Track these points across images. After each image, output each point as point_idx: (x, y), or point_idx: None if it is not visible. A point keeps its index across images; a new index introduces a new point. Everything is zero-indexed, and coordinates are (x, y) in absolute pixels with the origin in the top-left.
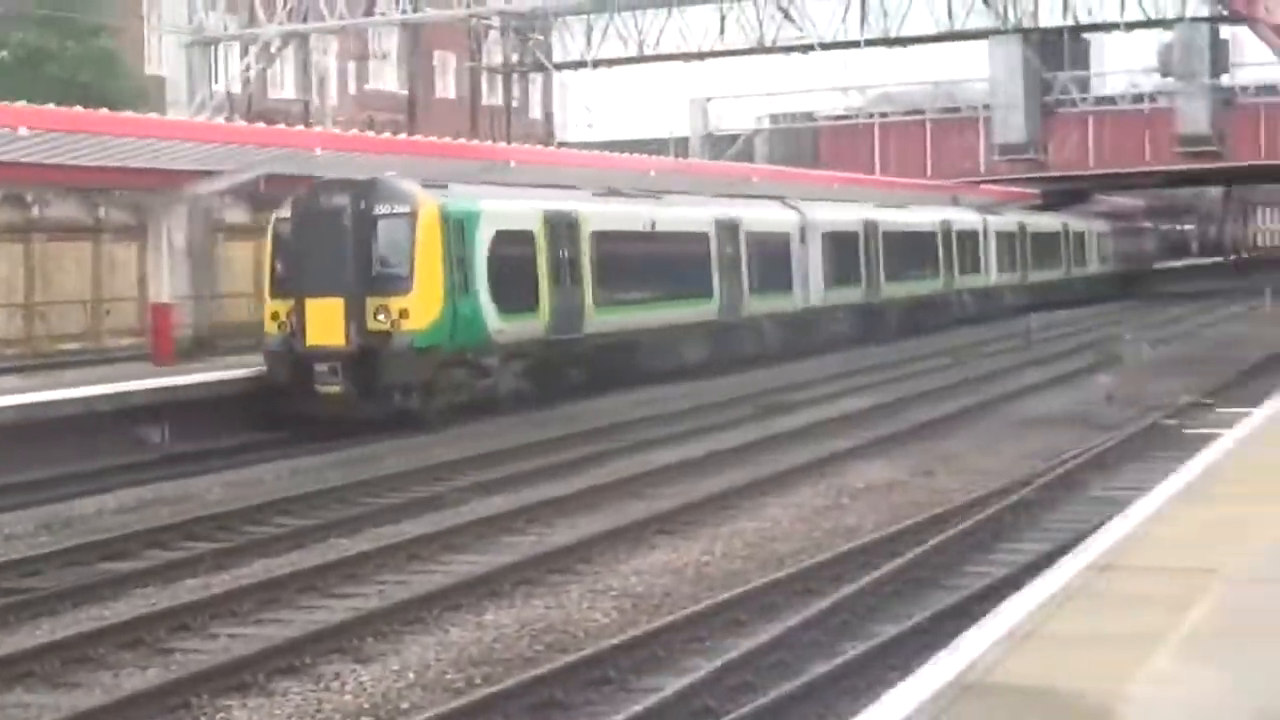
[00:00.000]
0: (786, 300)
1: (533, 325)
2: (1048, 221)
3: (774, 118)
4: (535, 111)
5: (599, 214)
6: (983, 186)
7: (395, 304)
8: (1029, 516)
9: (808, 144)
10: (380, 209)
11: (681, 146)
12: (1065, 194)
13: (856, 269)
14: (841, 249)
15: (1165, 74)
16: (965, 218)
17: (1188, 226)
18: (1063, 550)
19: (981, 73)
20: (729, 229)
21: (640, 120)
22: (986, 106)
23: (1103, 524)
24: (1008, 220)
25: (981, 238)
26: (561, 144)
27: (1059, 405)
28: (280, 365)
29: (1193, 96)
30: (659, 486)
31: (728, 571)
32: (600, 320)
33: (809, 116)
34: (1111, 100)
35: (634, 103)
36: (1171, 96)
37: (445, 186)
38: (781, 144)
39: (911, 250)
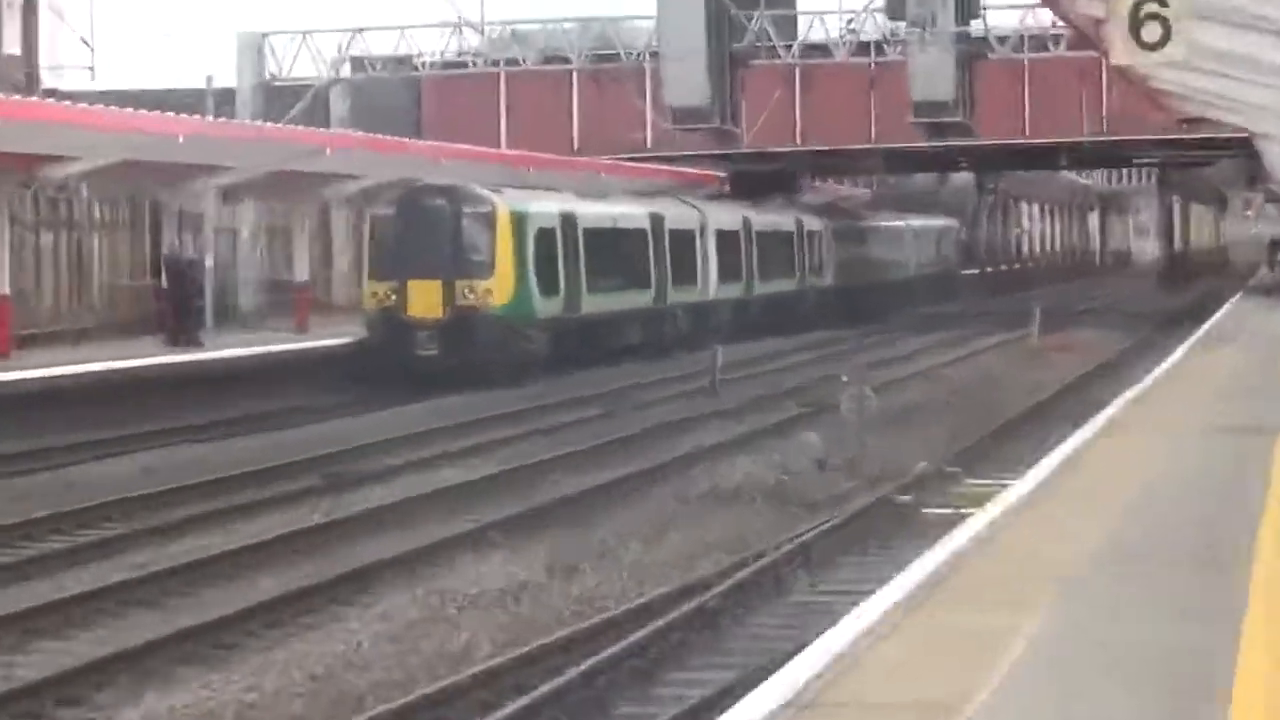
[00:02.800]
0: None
1: (556, 304)
2: (778, 218)
3: (357, 63)
4: (12, 46)
5: (589, 214)
6: (643, 167)
7: (481, 285)
8: (709, 633)
9: (405, 100)
10: (466, 208)
11: (227, 100)
12: (764, 179)
13: (555, 274)
14: (542, 247)
15: (893, 16)
16: (679, 212)
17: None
18: (753, 680)
19: (647, 7)
20: None
21: (171, 65)
22: (655, 55)
23: (806, 643)
24: (730, 215)
25: (698, 237)
26: (51, 93)
27: (753, 474)
28: (382, 332)
29: (930, 48)
30: (186, 591)
31: (280, 718)
32: (590, 301)
33: (406, 63)
34: (825, 50)
35: (160, 41)
36: (904, 47)
37: (501, 191)
38: (369, 99)
39: (618, 254)
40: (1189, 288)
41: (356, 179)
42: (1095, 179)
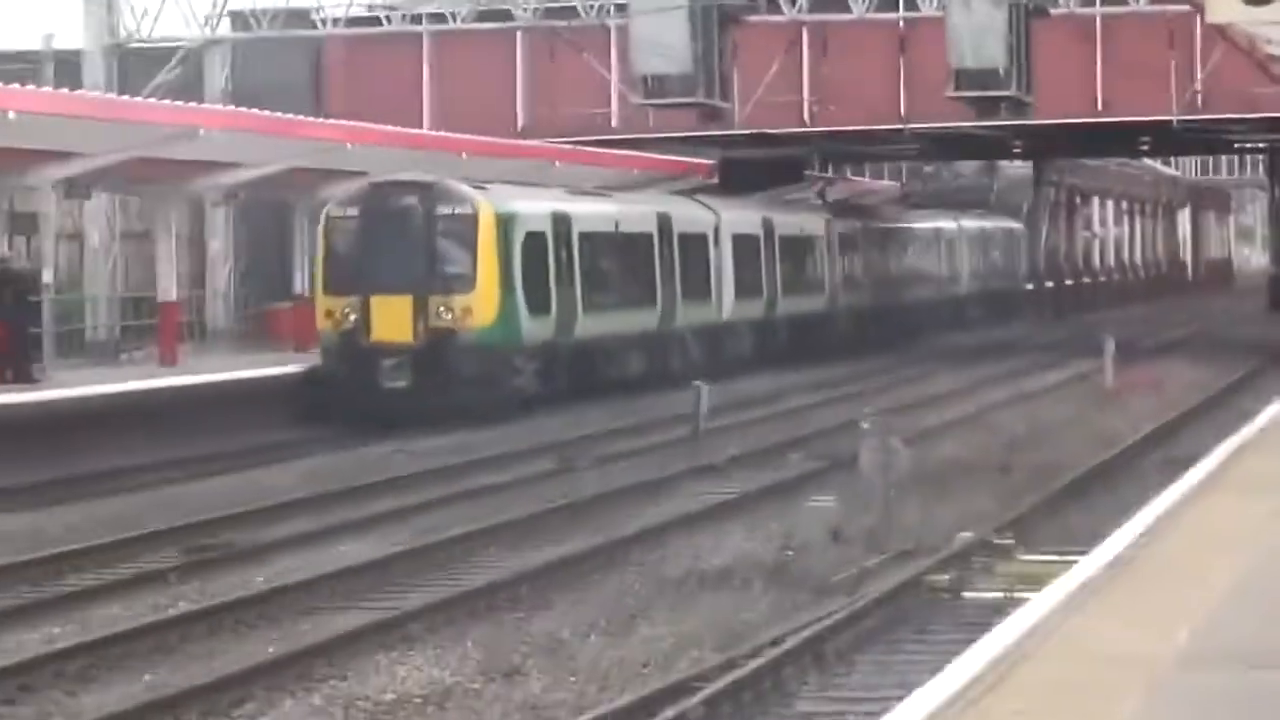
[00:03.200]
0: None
1: (546, 327)
2: (806, 219)
3: (239, 19)
4: None
5: (585, 214)
6: (607, 154)
7: (460, 302)
8: None
9: (300, 68)
10: (442, 209)
11: (70, 66)
12: (762, 168)
13: (545, 289)
14: (531, 256)
15: None
16: (689, 212)
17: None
18: None
19: None
20: None
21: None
22: (622, 9)
23: None
24: (749, 216)
25: (712, 243)
26: None
27: (746, 549)
28: (341, 360)
29: (975, 2)
30: None
31: None
32: (587, 323)
33: (303, 19)
34: (841, 3)
35: None
36: (942, 0)
37: (485, 187)
38: (254, 66)
39: (620, 265)
40: None
41: (237, 168)
42: (1186, 169)
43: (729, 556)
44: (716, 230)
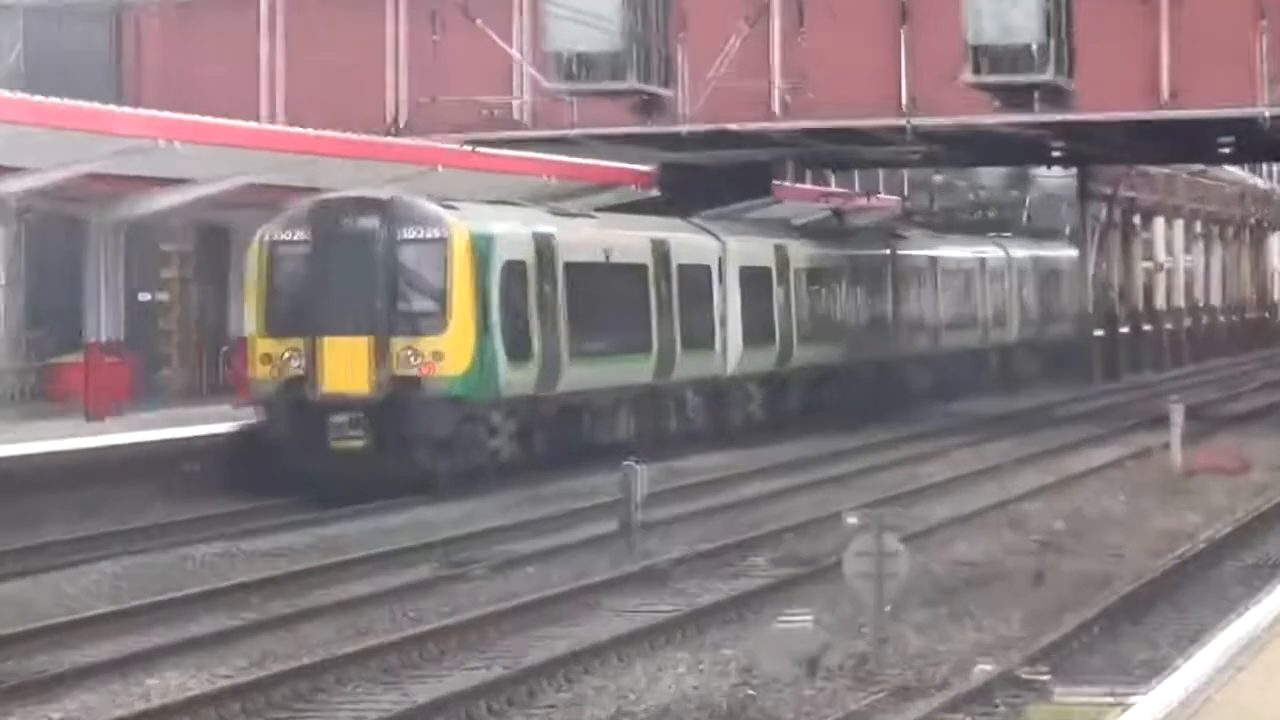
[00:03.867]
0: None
1: (527, 377)
2: (829, 250)
3: None
4: None
5: (571, 241)
6: (509, 157)
7: (427, 345)
8: None
9: (99, 40)
10: (406, 233)
11: None
12: (718, 176)
13: (526, 331)
14: (510, 290)
15: None
16: (689, 241)
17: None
18: None
19: None
20: None
21: None
22: None
23: None
24: (759, 245)
25: (715, 279)
26: None
27: (691, 687)
28: (284, 417)
29: None
30: None
31: None
32: (572, 374)
33: None
34: None
35: None
36: None
37: (457, 206)
38: (41, 37)
39: (610, 302)
40: None
41: (17, 174)
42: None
43: (668, 697)
44: (721, 262)
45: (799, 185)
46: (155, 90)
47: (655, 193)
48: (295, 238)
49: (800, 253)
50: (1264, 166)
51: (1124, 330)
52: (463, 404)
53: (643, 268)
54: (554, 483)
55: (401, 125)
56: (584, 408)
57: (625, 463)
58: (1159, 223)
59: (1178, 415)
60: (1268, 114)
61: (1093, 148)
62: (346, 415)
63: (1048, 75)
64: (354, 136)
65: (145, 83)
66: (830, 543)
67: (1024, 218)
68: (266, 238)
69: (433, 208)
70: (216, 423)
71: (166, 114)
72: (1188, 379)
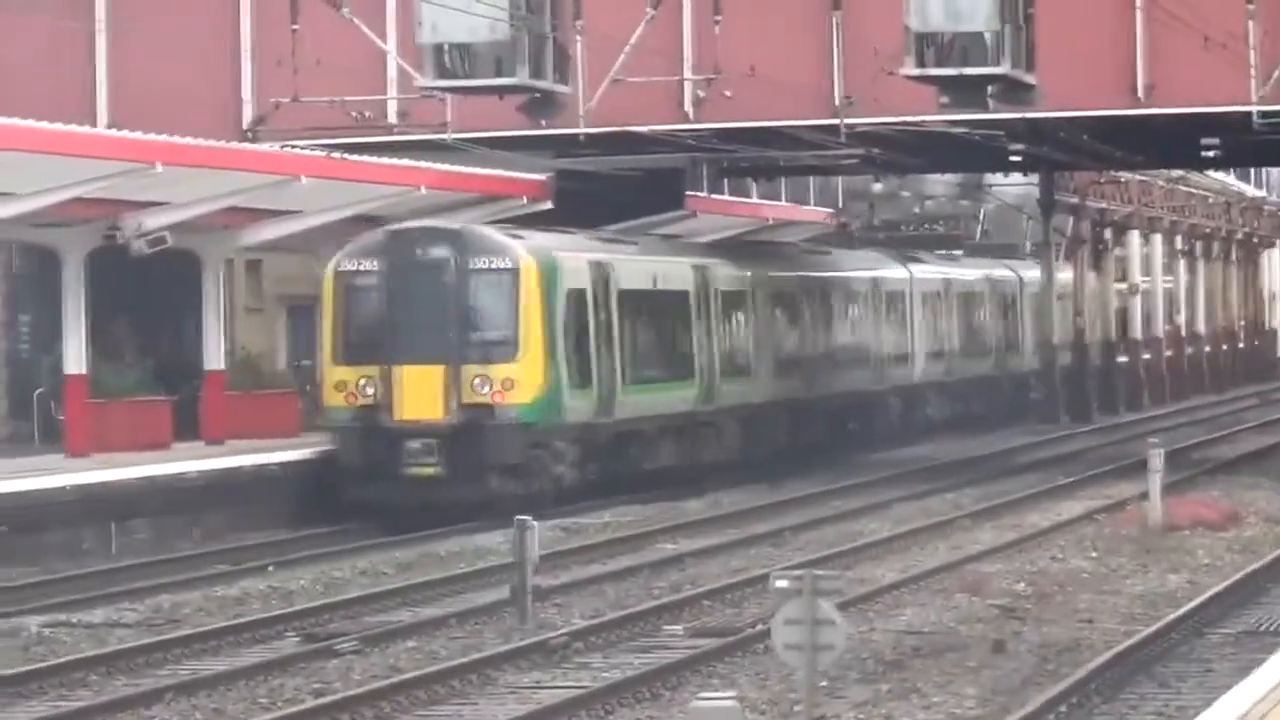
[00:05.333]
0: None
1: (587, 404)
2: (865, 266)
3: None
4: None
5: (626, 269)
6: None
7: (499, 372)
8: None
9: None
10: (477, 263)
11: None
12: (620, 187)
13: (586, 358)
14: (573, 318)
15: None
16: (722, 271)
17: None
18: None
19: None
20: None
21: None
22: None
23: None
24: (785, 265)
25: (750, 300)
26: None
27: None
28: (357, 444)
29: None
30: None
31: None
32: (627, 400)
33: None
34: None
35: None
36: None
37: (522, 235)
38: None
39: (659, 329)
40: None
41: None
42: (1277, 188)
43: None
44: (754, 284)
45: (715, 196)
46: None
47: (548, 205)
48: (367, 268)
49: (720, 274)
50: (1254, 172)
51: (1095, 363)
52: (532, 430)
53: (684, 294)
54: (439, 542)
55: (253, 126)
56: (635, 435)
57: (519, 518)
58: (1134, 237)
59: (1157, 461)
60: (1257, 114)
61: (1057, 151)
62: (420, 441)
63: (1004, 67)
64: (200, 142)
65: None
66: (756, 609)
67: (978, 232)
68: (338, 268)
69: (503, 237)
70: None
71: None
72: (1169, 419)
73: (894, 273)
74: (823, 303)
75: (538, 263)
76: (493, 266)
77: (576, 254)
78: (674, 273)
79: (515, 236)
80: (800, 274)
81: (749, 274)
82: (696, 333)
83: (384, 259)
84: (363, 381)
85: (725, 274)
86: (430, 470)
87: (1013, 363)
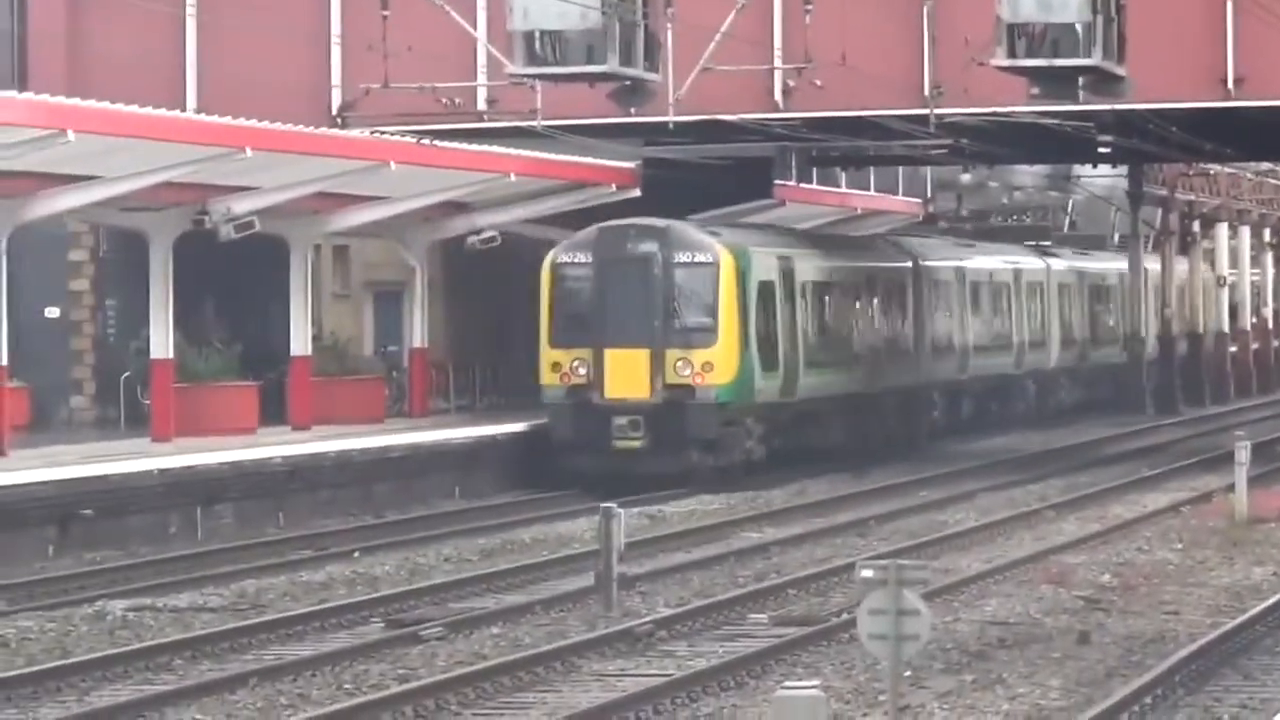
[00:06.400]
0: None
1: (774, 385)
2: (999, 260)
3: None
4: None
5: (808, 262)
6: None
7: (699, 356)
8: None
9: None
10: (680, 256)
11: None
12: (712, 173)
13: (775, 346)
14: (762, 305)
15: None
16: (889, 256)
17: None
18: None
19: None
20: None
21: None
22: None
23: None
24: (949, 253)
25: (910, 290)
26: None
27: None
28: (570, 419)
29: None
30: None
31: None
32: (808, 382)
33: None
34: None
35: None
36: None
37: (719, 232)
38: None
39: (835, 317)
40: None
41: None
42: None
43: None
44: (916, 275)
45: (804, 185)
46: (51, 70)
47: (636, 193)
48: (581, 260)
49: (881, 268)
50: None
51: (1182, 355)
52: (727, 409)
53: (855, 285)
54: (522, 529)
55: (342, 113)
56: (815, 414)
57: (604, 507)
58: (1222, 230)
59: (1243, 453)
60: None
61: (1146, 143)
62: (627, 418)
63: (1094, 58)
64: (289, 128)
65: (42, 61)
66: (841, 599)
67: (1066, 223)
68: (555, 260)
69: (704, 234)
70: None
71: (61, 100)
72: (1255, 411)
73: (1032, 264)
74: (972, 292)
75: (734, 257)
76: (695, 260)
77: (765, 249)
78: (844, 267)
79: (714, 233)
80: (949, 264)
81: (908, 265)
82: (862, 321)
83: (596, 252)
84: (575, 363)
85: (886, 268)
86: (636, 443)
87: (1102, 354)
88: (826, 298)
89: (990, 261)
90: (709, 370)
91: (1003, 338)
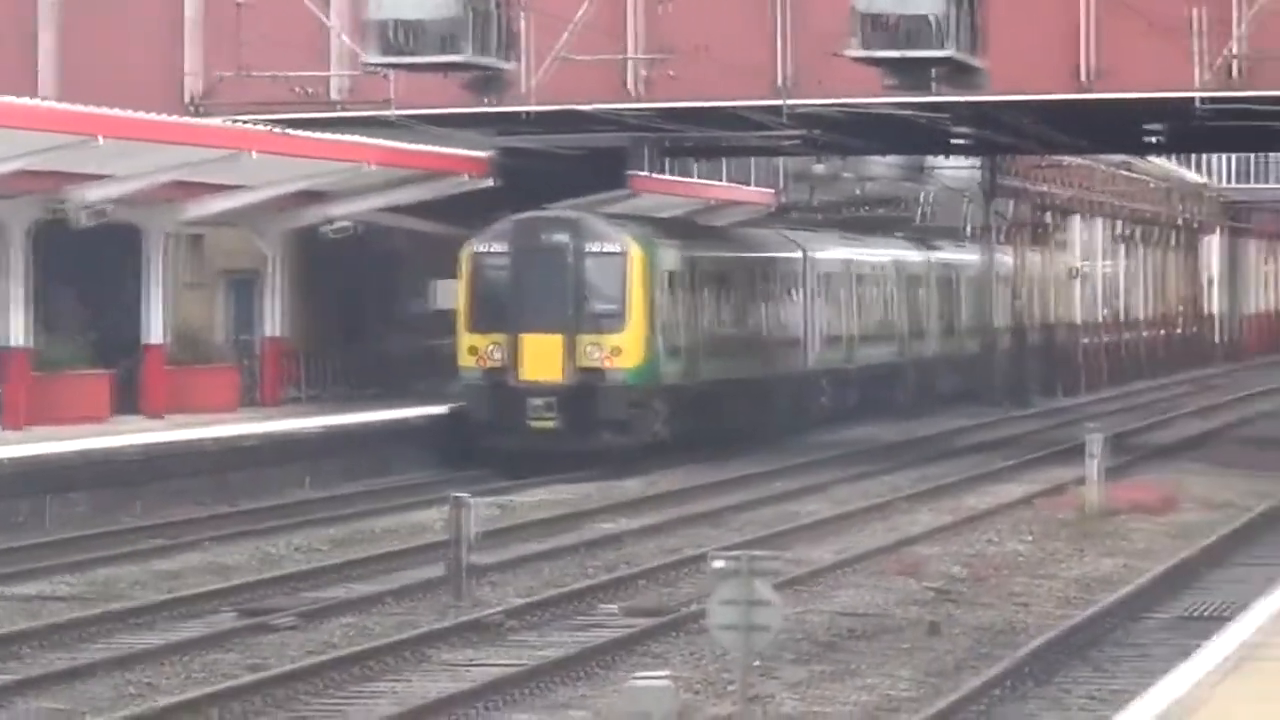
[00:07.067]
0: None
1: (678, 369)
2: (882, 252)
3: None
4: None
5: (708, 253)
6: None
7: (609, 341)
8: None
9: None
10: (591, 247)
11: None
12: (568, 164)
13: (678, 332)
14: (668, 293)
15: None
16: (780, 246)
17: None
18: None
19: None
20: None
21: None
22: None
23: None
24: (835, 251)
25: (801, 279)
26: None
27: None
28: (487, 400)
29: None
30: None
31: None
32: (711, 365)
33: None
34: None
35: None
36: None
37: (625, 223)
38: None
39: (736, 303)
40: None
41: None
42: (1217, 174)
43: None
44: (804, 265)
45: (658, 176)
46: None
47: (491, 182)
48: (498, 249)
49: (864, 255)
50: (1197, 159)
51: (1034, 347)
52: (635, 390)
53: (752, 272)
54: (374, 519)
55: (200, 104)
56: (718, 396)
57: (455, 495)
58: (1076, 222)
59: (1096, 446)
60: (1199, 100)
61: (1001, 135)
62: (542, 399)
63: (949, 50)
64: (143, 116)
65: None
66: (692, 589)
67: (920, 215)
68: (473, 249)
69: (613, 225)
70: None
71: None
72: (1108, 404)
73: (914, 257)
74: (858, 283)
75: (642, 247)
76: (605, 250)
77: (670, 240)
78: (741, 258)
79: (623, 225)
80: (837, 256)
81: (799, 257)
82: (757, 310)
83: (511, 242)
84: (492, 347)
85: (779, 259)
86: (550, 424)
87: (953, 347)
88: (725, 287)
89: (875, 254)
90: (618, 354)
91: (887, 327)
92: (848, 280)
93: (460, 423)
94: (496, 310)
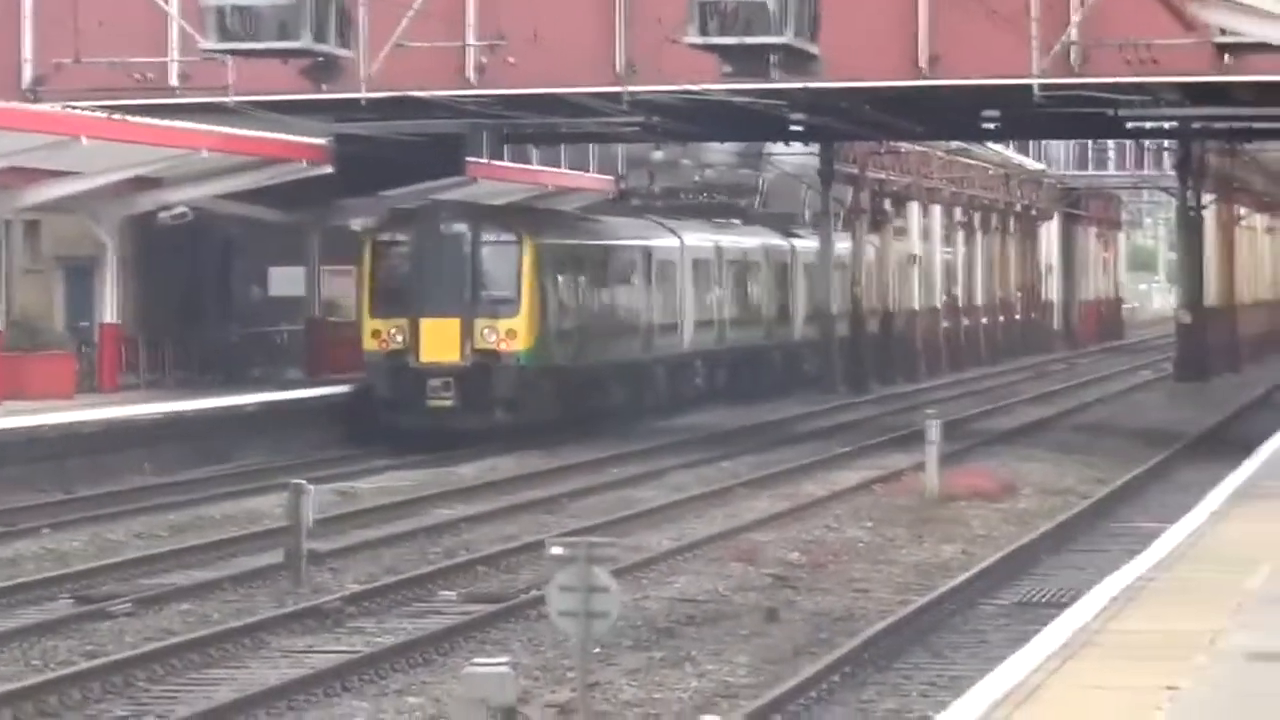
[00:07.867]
0: None
1: (567, 351)
2: (748, 239)
3: None
4: None
5: (591, 242)
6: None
7: (503, 325)
8: None
9: None
10: (487, 235)
11: None
12: (404, 151)
13: (565, 316)
14: (556, 280)
15: None
16: (660, 236)
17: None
18: None
19: None
20: None
21: None
22: None
23: None
24: (704, 239)
25: (679, 267)
26: None
27: None
28: (388, 380)
29: None
30: None
31: None
32: (593, 349)
33: None
34: None
35: None
36: None
37: (523, 215)
38: None
39: (618, 289)
40: (1238, 378)
41: None
42: (1055, 160)
43: None
44: (681, 252)
45: (496, 163)
46: None
47: (328, 169)
48: (399, 238)
49: (732, 242)
50: (1035, 146)
51: (872, 333)
52: (527, 371)
53: (631, 260)
54: (213, 505)
55: (36, 89)
56: (597, 377)
57: (294, 482)
58: (913, 208)
59: (934, 432)
60: (1038, 86)
61: (838, 122)
62: (440, 379)
63: (786, 37)
64: None
65: None
66: (531, 576)
67: (758, 201)
68: (375, 237)
69: (509, 216)
70: None
71: None
72: (946, 390)
73: (779, 243)
74: (729, 268)
75: (534, 236)
76: (500, 239)
77: (560, 230)
78: (623, 246)
79: (519, 216)
80: (709, 243)
81: (676, 244)
82: (637, 295)
83: (412, 230)
84: (393, 330)
85: (657, 246)
86: (448, 403)
87: (790, 333)
88: (609, 274)
89: (744, 240)
90: (512, 337)
91: (754, 311)
92: (719, 266)
93: (361, 401)
94: (397, 296)
